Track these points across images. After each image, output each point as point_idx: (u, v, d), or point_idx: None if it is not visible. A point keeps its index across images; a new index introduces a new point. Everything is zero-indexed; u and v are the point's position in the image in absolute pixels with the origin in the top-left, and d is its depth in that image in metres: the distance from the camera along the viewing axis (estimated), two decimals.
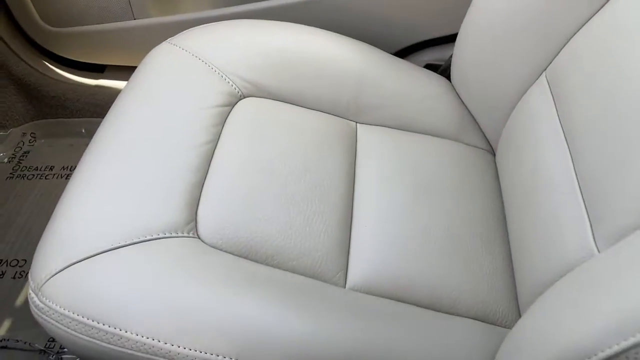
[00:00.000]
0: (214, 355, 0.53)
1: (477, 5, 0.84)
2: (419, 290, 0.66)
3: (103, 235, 0.61)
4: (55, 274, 0.58)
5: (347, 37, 0.91)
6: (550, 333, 0.45)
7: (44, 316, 0.57)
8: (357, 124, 0.86)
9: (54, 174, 1.27)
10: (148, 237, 0.62)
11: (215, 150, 0.75)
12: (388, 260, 0.67)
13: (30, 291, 0.59)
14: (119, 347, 0.54)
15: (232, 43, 0.87)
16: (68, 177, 1.25)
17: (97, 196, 0.66)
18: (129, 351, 0.54)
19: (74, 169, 1.16)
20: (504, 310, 0.66)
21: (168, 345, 0.53)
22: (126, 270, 0.58)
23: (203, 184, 0.70)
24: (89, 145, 0.76)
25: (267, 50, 0.86)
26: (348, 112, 0.86)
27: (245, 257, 0.65)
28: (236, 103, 0.82)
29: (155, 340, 0.53)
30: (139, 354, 0.54)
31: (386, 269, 0.67)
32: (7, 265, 1.08)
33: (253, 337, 0.54)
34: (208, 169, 0.72)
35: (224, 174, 0.72)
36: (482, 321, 0.65)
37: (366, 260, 0.68)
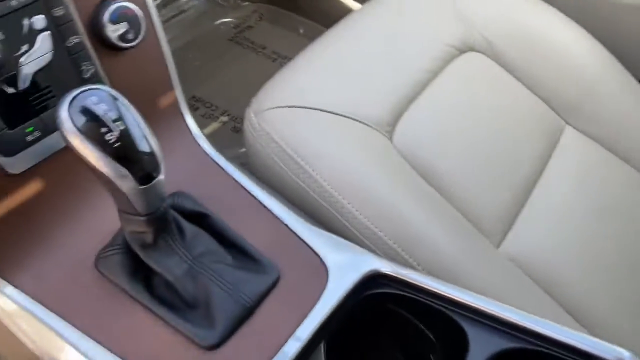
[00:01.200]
0: (377, 230, 0.58)
1: None
2: (568, 291, 0.66)
3: (326, 97, 0.68)
4: (277, 107, 0.66)
5: (597, 42, 0.89)
6: None
7: (255, 135, 0.66)
8: (567, 125, 0.85)
9: (264, 54, 1.40)
10: (353, 117, 0.68)
11: (432, 81, 0.79)
12: (550, 250, 0.68)
13: (251, 113, 0.68)
14: (306, 186, 0.61)
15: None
16: (274, 60, 1.37)
17: (328, 67, 0.73)
18: (312, 193, 0.61)
19: (281, 55, 1.28)
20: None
21: (345, 201, 0.60)
22: (331, 129, 0.65)
23: (412, 101, 0.75)
24: (329, 31, 0.83)
25: (518, 21, 0.88)
26: (565, 109, 0.85)
27: (422, 176, 0.69)
28: (465, 52, 0.86)
29: (337, 193, 0.60)
30: (318, 199, 0.61)
31: (544, 255, 0.68)
32: (200, 103, 1.23)
33: (412, 238, 0.59)
34: (420, 93, 0.77)
35: (435, 102, 0.76)
36: None
37: (528, 237, 0.69)
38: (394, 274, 0.50)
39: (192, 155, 0.58)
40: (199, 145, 0.59)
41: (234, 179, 0.57)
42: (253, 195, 0.56)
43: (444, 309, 0.48)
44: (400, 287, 0.50)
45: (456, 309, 0.48)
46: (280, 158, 0.63)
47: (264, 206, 0.55)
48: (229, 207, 0.54)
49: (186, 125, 0.59)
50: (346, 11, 1.30)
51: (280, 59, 1.36)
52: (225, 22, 1.45)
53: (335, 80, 0.71)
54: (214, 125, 1.19)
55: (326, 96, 0.68)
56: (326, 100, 0.68)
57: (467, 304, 0.47)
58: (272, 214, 0.55)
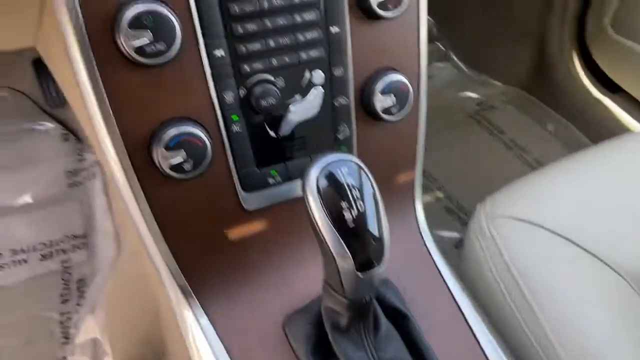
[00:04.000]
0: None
1: None
2: None
3: (572, 224, 0.59)
4: (513, 218, 0.59)
5: None
6: None
7: (480, 240, 0.60)
8: None
9: (500, 139, 1.31)
10: (601, 257, 0.57)
11: None
12: None
13: (482, 214, 0.62)
14: (520, 316, 0.53)
15: None
16: (510, 148, 1.28)
17: (586, 189, 0.63)
18: (524, 327, 0.53)
19: (519, 145, 1.19)
20: None
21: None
22: (570, 265, 0.56)
23: None
24: (595, 148, 0.73)
25: None
26: None
27: None
28: None
29: (558, 345, 0.50)
30: (530, 337, 0.52)
31: None
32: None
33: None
34: None
35: None
36: None
37: None
38: None
39: (410, 242, 0.54)
40: (420, 234, 0.54)
41: (444, 282, 0.51)
42: (459, 307, 0.49)
43: None
44: None
45: None
46: (500, 275, 0.56)
47: (467, 323, 0.49)
48: (429, 309, 0.49)
49: (414, 208, 0.56)
50: (611, 120, 1.15)
51: (518, 149, 1.27)
52: (470, 96, 1.42)
53: (590, 209, 0.61)
54: (426, 198, 1.15)
55: (573, 223, 0.59)
56: (572, 227, 0.58)
57: None
58: (474, 335, 0.48)
